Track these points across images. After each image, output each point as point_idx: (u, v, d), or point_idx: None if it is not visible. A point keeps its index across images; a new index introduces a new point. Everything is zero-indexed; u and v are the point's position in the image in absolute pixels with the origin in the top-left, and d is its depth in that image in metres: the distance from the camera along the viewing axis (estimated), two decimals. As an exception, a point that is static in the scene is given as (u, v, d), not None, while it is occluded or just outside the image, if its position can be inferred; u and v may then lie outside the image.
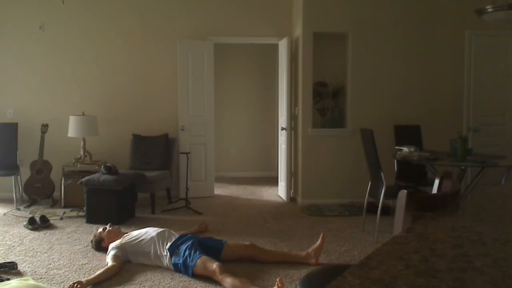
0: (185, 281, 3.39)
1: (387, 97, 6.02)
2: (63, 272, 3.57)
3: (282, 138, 6.44)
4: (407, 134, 5.61)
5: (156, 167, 5.84)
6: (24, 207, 5.71)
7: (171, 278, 3.44)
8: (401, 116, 5.90)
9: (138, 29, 6.35)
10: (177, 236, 3.77)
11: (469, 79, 6.18)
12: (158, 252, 3.65)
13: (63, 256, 3.94)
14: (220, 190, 6.87)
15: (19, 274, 3.53)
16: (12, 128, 6.03)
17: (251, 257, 3.75)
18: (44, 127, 5.90)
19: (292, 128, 6.32)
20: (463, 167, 4.72)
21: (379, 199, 4.43)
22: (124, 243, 3.79)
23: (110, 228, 4.07)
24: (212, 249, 3.68)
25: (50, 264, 3.76)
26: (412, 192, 1.91)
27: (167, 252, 3.61)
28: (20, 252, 4.04)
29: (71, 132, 5.83)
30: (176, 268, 3.53)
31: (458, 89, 6.18)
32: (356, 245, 4.26)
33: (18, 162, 5.93)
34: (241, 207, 5.89)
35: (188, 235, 3.78)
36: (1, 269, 3.55)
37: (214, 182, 6.61)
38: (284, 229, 4.83)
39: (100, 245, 4.01)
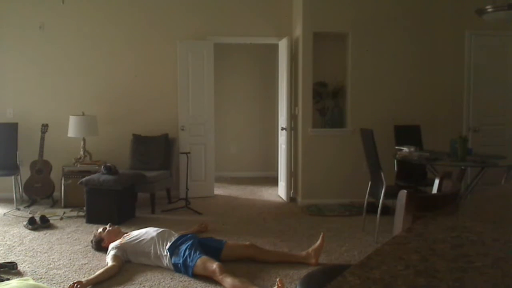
0: (185, 281, 3.39)
1: (387, 97, 6.02)
2: (63, 272, 3.57)
3: (282, 138, 6.43)
4: (407, 134, 5.61)
5: (156, 167, 5.84)
6: (24, 207, 5.71)
7: (171, 278, 3.44)
8: (401, 116, 5.90)
9: (138, 29, 6.35)
10: (177, 236, 3.77)
11: (469, 79, 6.18)
12: (158, 252, 3.65)
13: (63, 256, 3.94)
14: (220, 190, 6.86)
15: (19, 274, 3.53)
16: (12, 128, 6.03)
17: (251, 257, 3.75)
18: (44, 127, 5.90)
19: (292, 128, 6.32)
20: (463, 167, 4.72)
21: (379, 199, 4.43)
22: (124, 243, 3.80)
23: (110, 228, 4.07)
24: (212, 249, 3.68)
25: (50, 264, 3.76)
26: (412, 192, 1.91)
27: (167, 252, 3.61)
28: (20, 252, 4.04)
29: (71, 132, 5.83)
30: (176, 268, 3.53)
31: (458, 89, 6.18)
32: (356, 245, 4.26)
33: (18, 162, 5.92)
34: (241, 207, 5.89)
35: (188, 235, 3.78)
36: (1, 269, 3.55)
37: (214, 182, 6.61)
38: (284, 229, 4.83)
39: (100, 245, 4.01)
